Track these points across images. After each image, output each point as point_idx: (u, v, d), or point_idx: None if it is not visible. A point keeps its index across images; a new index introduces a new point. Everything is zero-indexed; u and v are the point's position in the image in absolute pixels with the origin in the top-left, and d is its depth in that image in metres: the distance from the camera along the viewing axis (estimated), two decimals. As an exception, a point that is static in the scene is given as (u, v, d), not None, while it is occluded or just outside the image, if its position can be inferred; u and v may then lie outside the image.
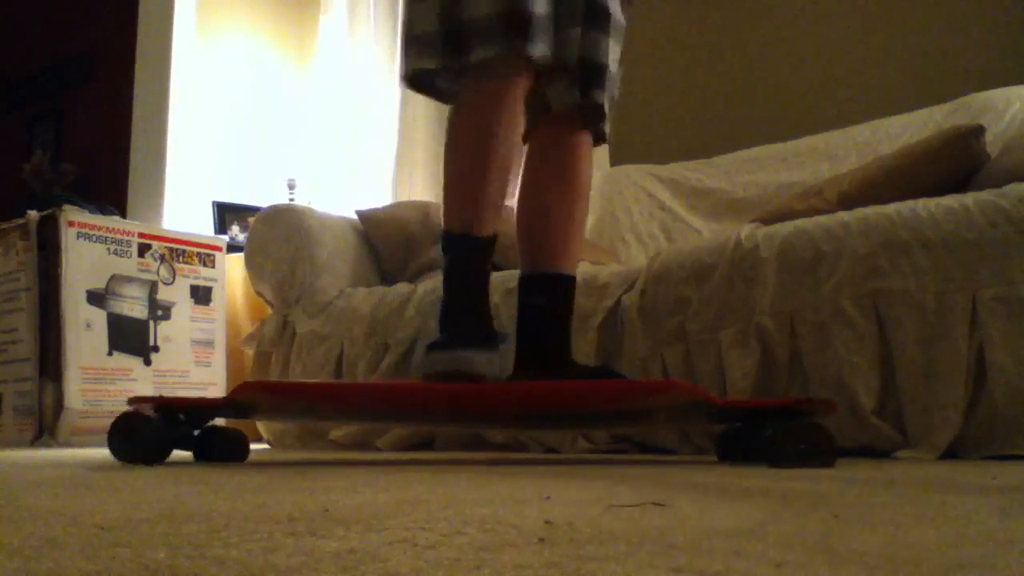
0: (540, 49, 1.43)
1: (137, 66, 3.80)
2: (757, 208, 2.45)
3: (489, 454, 1.89)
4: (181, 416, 1.38)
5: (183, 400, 1.42)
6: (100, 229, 2.60)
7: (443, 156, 1.53)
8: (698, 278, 1.78)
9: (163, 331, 2.69)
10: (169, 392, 2.65)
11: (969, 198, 1.58)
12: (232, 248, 3.12)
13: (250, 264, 2.65)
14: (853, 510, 0.71)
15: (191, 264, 2.80)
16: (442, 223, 1.52)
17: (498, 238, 1.50)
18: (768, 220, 1.94)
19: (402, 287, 2.36)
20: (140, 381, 2.61)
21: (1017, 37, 2.52)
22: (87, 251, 2.55)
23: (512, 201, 1.68)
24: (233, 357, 2.91)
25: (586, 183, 1.59)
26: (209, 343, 2.81)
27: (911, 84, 2.67)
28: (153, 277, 2.70)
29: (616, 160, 3.15)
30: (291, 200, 3.75)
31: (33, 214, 2.59)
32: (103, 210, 2.98)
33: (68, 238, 2.51)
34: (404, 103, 3.65)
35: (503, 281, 2.13)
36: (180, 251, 2.78)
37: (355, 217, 2.83)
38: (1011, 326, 1.46)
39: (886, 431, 1.53)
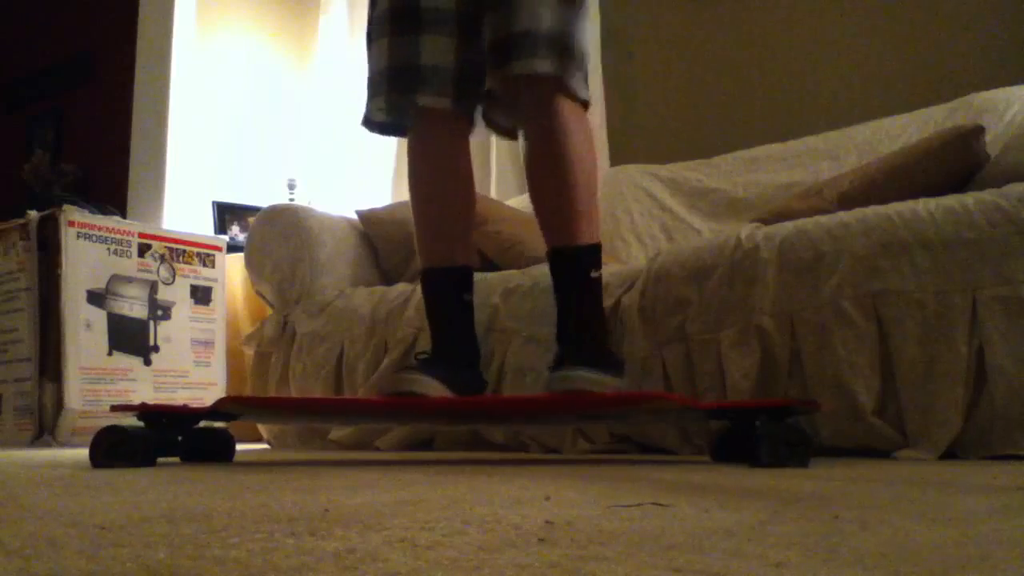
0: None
1: (137, 66, 3.81)
2: (757, 208, 2.45)
3: (489, 454, 1.89)
4: (164, 421, 1.39)
5: (166, 407, 1.44)
6: (100, 229, 2.60)
7: None
8: (698, 278, 1.78)
9: (163, 331, 2.69)
10: (169, 392, 2.65)
11: (969, 198, 1.58)
12: (232, 248, 3.12)
13: (250, 264, 2.65)
14: (853, 510, 0.71)
15: (191, 264, 2.80)
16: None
17: (472, 271, 1.62)
18: (768, 220, 1.94)
19: (402, 287, 2.36)
20: (140, 381, 2.61)
21: (1017, 37, 2.52)
22: (87, 251, 2.55)
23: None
24: (233, 357, 2.91)
25: (574, 146, 1.50)
26: (209, 343, 2.81)
27: (911, 84, 2.67)
28: (153, 277, 2.70)
29: (616, 160, 3.15)
30: (291, 200, 3.75)
31: (33, 214, 2.59)
32: (103, 210, 2.98)
33: (68, 238, 2.51)
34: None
35: (503, 281, 2.13)
36: (180, 251, 2.78)
37: (355, 217, 2.83)
38: (1011, 326, 1.46)
39: (886, 431, 1.53)
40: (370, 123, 1.65)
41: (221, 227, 3.79)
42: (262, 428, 2.55)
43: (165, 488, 0.92)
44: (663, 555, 0.48)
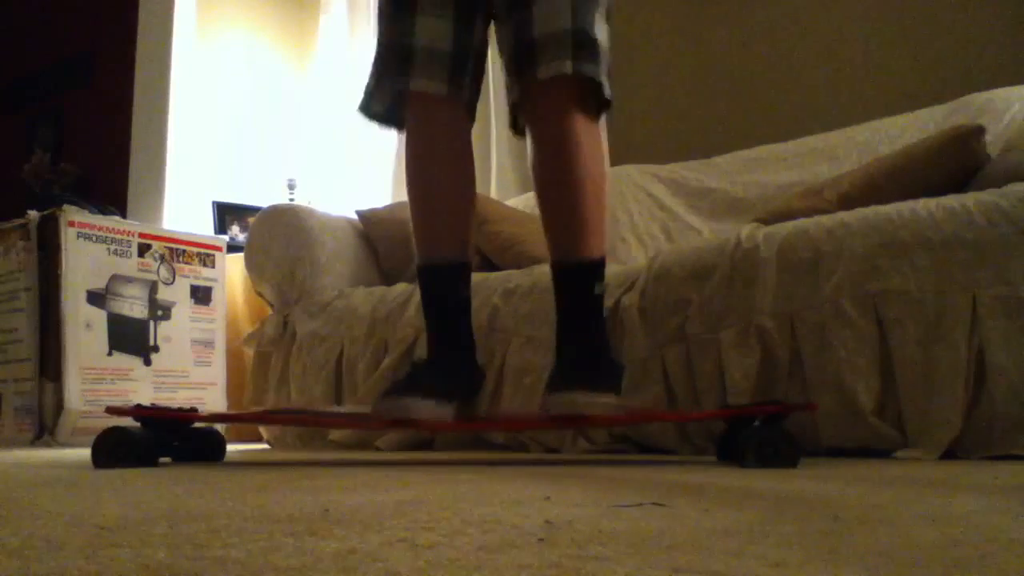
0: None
1: (137, 66, 3.80)
2: (757, 208, 2.45)
3: (489, 454, 1.89)
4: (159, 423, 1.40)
5: (162, 412, 1.44)
6: (100, 229, 2.60)
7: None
8: (698, 278, 1.78)
9: (163, 331, 2.69)
10: (169, 392, 2.65)
11: (969, 198, 1.58)
12: (232, 248, 3.12)
13: (250, 264, 2.65)
14: (853, 510, 0.71)
15: (191, 264, 2.80)
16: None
17: (471, 265, 1.56)
18: (768, 220, 1.94)
19: (402, 287, 2.36)
20: (140, 381, 2.61)
21: (1017, 37, 2.52)
22: (87, 251, 2.55)
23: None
24: (233, 357, 2.91)
25: (585, 161, 1.47)
26: (209, 343, 2.81)
27: (911, 84, 2.67)
28: (153, 277, 2.70)
29: (616, 160, 3.15)
30: (291, 200, 3.75)
31: (33, 214, 2.59)
32: (103, 210, 2.98)
33: (68, 238, 2.51)
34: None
35: (503, 281, 2.13)
36: (180, 251, 2.78)
37: (355, 217, 2.83)
38: (1011, 326, 1.46)
39: (886, 431, 1.53)
40: (367, 110, 1.59)
41: (221, 227, 3.79)
42: (262, 428, 2.55)
43: (165, 488, 0.92)
44: (663, 555, 0.48)
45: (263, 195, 3.86)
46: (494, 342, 2.04)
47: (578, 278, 1.48)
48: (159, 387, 2.64)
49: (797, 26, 2.93)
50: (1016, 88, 2.24)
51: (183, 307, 2.76)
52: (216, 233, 3.67)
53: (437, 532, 0.57)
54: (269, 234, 2.60)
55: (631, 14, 3.26)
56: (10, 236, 2.62)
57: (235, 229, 3.83)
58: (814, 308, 1.61)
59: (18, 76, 4.93)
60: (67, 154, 4.47)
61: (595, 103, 1.49)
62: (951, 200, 1.59)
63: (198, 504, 0.75)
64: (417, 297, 2.26)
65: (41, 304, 2.52)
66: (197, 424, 1.52)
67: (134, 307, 2.63)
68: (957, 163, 1.89)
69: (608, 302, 1.90)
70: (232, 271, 3.03)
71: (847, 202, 1.87)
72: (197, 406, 2.55)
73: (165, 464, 1.38)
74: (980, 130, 1.90)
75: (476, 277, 2.13)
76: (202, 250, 2.84)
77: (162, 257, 2.72)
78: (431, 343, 1.56)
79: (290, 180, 3.87)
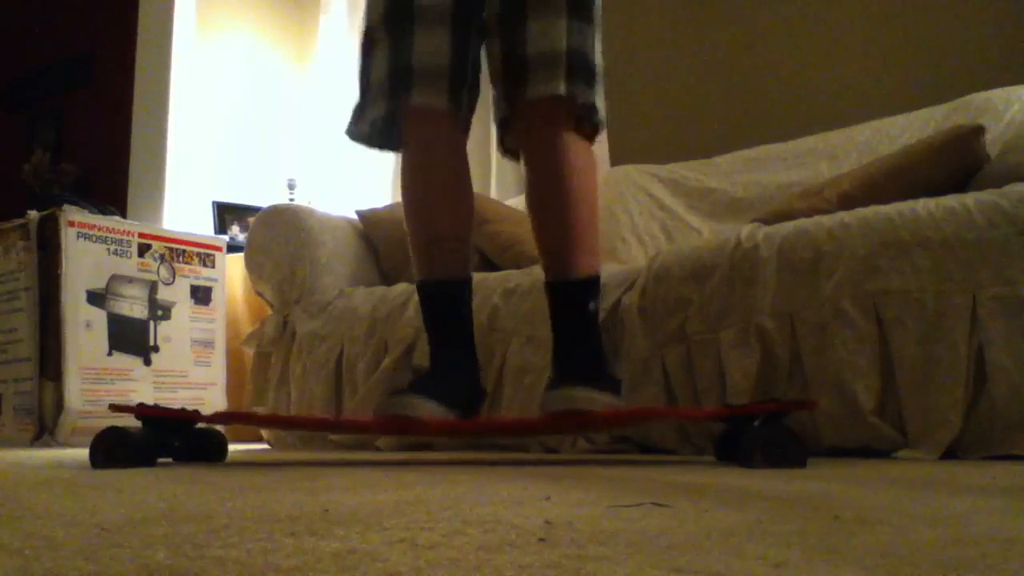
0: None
1: (137, 66, 3.80)
2: (757, 208, 2.45)
3: (489, 454, 1.89)
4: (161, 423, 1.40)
5: (164, 411, 1.44)
6: (100, 229, 2.60)
7: None
8: (698, 278, 1.78)
9: (163, 331, 2.69)
10: (169, 392, 2.65)
11: (969, 198, 1.58)
12: (232, 248, 3.12)
13: (250, 264, 2.65)
14: (853, 510, 0.71)
15: (191, 264, 2.80)
16: None
17: (471, 280, 1.56)
18: (768, 220, 1.94)
19: (402, 287, 2.36)
20: (140, 381, 2.61)
21: (1017, 37, 2.52)
22: (87, 251, 2.55)
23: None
24: (233, 357, 2.91)
25: (578, 183, 1.48)
26: (209, 343, 2.81)
27: (911, 84, 2.67)
28: (153, 277, 2.70)
29: (616, 160, 3.15)
30: (291, 200, 3.75)
31: (33, 214, 2.59)
32: (103, 210, 2.98)
33: (68, 238, 2.51)
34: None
35: (502, 281, 2.13)
36: (180, 251, 2.78)
37: (355, 217, 2.83)
38: (1011, 326, 1.46)
39: (886, 431, 1.53)
40: (354, 133, 1.57)
41: (221, 227, 3.79)
42: (262, 429, 2.55)
43: (165, 488, 0.92)
44: (663, 555, 0.48)
45: (263, 195, 3.86)
46: (494, 342, 2.04)
47: (572, 296, 1.48)
48: (159, 387, 2.64)
49: (797, 26, 2.93)
50: (1016, 88, 2.24)
51: (183, 307, 2.76)
52: (216, 233, 3.68)
53: (437, 532, 0.57)
54: (269, 234, 2.60)
55: (631, 14, 3.26)
56: (10, 236, 2.62)
57: (235, 229, 3.83)
58: (814, 308, 1.61)
59: (18, 76, 4.93)
60: (67, 154, 4.47)
61: (589, 125, 1.49)
62: (951, 200, 1.59)
63: (198, 504, 0.75)
64: (417, 297, 2.26)
65: (41, 304, 2.52)
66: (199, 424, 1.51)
67: (134, 307, 2.63)
68: (957, 163, 1.89)
69: (608, 302, 1.90)
70: (232, 271, 3.03)
71: (847, 202, 1.87)
72: (197, 406, 2.55)
73: (165, 464, 1.38)
74: (980, 130, 1.90)
75: (476, 277, 2.13)
76: (202, 250, 2.84)
77: (162, 257, 2.72)
78: (433, 358, 1.54)
79: (290, 180, 3.87)
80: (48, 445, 2.41)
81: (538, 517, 0.64)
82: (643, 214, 2.75)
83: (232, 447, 1.73)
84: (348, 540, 0.53)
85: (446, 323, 1.54)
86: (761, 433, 1.27)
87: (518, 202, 2.95)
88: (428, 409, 1.37)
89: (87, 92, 4.51)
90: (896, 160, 1.98)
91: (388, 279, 2.69)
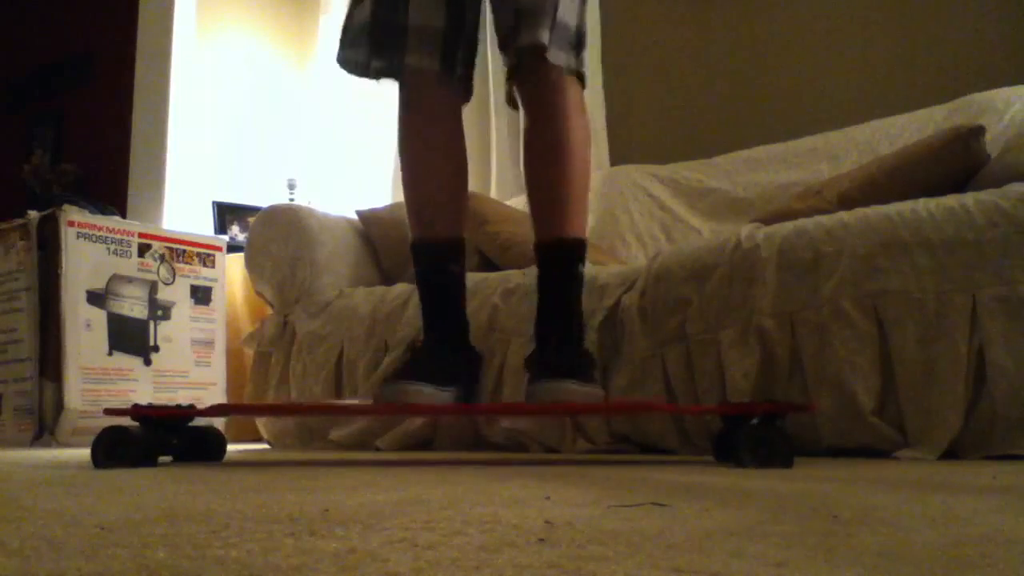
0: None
1: (137, 66, 3.80)
2: (757, 208, 2.45)
3: (489, 454, 1.89)
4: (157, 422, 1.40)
5: (160, 410, 1.44)
6: (100, 229, 2.60)
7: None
8: (698, 278, 1.78)
9: (163, 331, 2.69)
10: (169, 392, 2.65)
11: (969, 198, 1.58)
12: (232, 248, 3.12)
13: (250, 264, 2.65)
14: (853, 510, 0.71)
15: (191, 264, 2.80)
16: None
17: (463, 241, 1.56)
18: (768, 220, 1.94)
19: (402, 287, 2.36)
20: (140, 381, 2.61)
21: (1017, 37, 2.52)
22: (87, 251, 2.55)
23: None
24: (233, 357, 2.92)
25: (575, 134, 1.50)
26: (209, 343, 2.81)
27: (911, 84, 2.67)
28: (153, 277, 2.70)
29: (616, 160, 3.15)
30: (291, 200, 3.75)
31: (33, 214, 2.59)
32: (103, 210, 2.98)
33: (68, 238, 2.51)
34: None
35: (502, 281, 2.13)
36: (180, 251, 2.78)
37: (355, 217, 2.83)
38: (1011, 326, 1.46)
39: (886, 431, 1.53)
40: (346, 64, 1.57)
41: (221, 227, 3.79)
42: (262, 428, 2.55)
43: (165, 488, 0.92)
44: (663, 555, 0.48)
45: (263, 195, 3.86)
46: (494, 342, 2.04)
47: (562, 255, 1.50)
48: (159, 387, 2.64)
49: (797, 26, 2.93)
50: (1016, 88, 2.24)
51: (183, 307, 2.76)
52: (216, 233, 3.68)
53: (437, 532, 0.57)
54: (269, 234, 2.60)
55: (632, 14, 3.26)
56: (10, 236, 2.62)
57: (235, 229, 3.83)
58: (814, 308, 1.61)
59: (18, 76, 4.93)
60: (67, 154, 4.47)
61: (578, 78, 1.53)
62: (951, 200, 1.59)
63: (198, 504, 0.75)
64: (417, 297, 2.26)
65: (41, 304, 2.52)
66: (198, 423, 1.52)
67: (134, 307, 2.63)
68: (957, 163, 1.89)
69: (608, 302, 1.90)
70: (232, 271, 3.03)
71: (847, 202, 1.87)
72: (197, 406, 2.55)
73: (165, 464, 1.38)
74: (980, 130, 1.90)
75: (476, 277, 2.13)
76: (202, 250, 2.84)
77: (162, 257, 2.72)
78: (425, 327, 1.57)
79: (290, 180, 3.87)
80: (48, 445, 2.41)
81: (538, 517, 0.64)
82: (643, 214, 2.75)
83: (232, 447, 1.73)
84: (348, 540, 0.53)
85: (436, 282, 1.55)
86: (751, 433, 1.28)
87: (518, 202, 2.94)
88: (424, 393, 1.39)
89: (87, 92, 4.51)
90: (896, 160, 1.98)
91: (388, 279, 2.69)
